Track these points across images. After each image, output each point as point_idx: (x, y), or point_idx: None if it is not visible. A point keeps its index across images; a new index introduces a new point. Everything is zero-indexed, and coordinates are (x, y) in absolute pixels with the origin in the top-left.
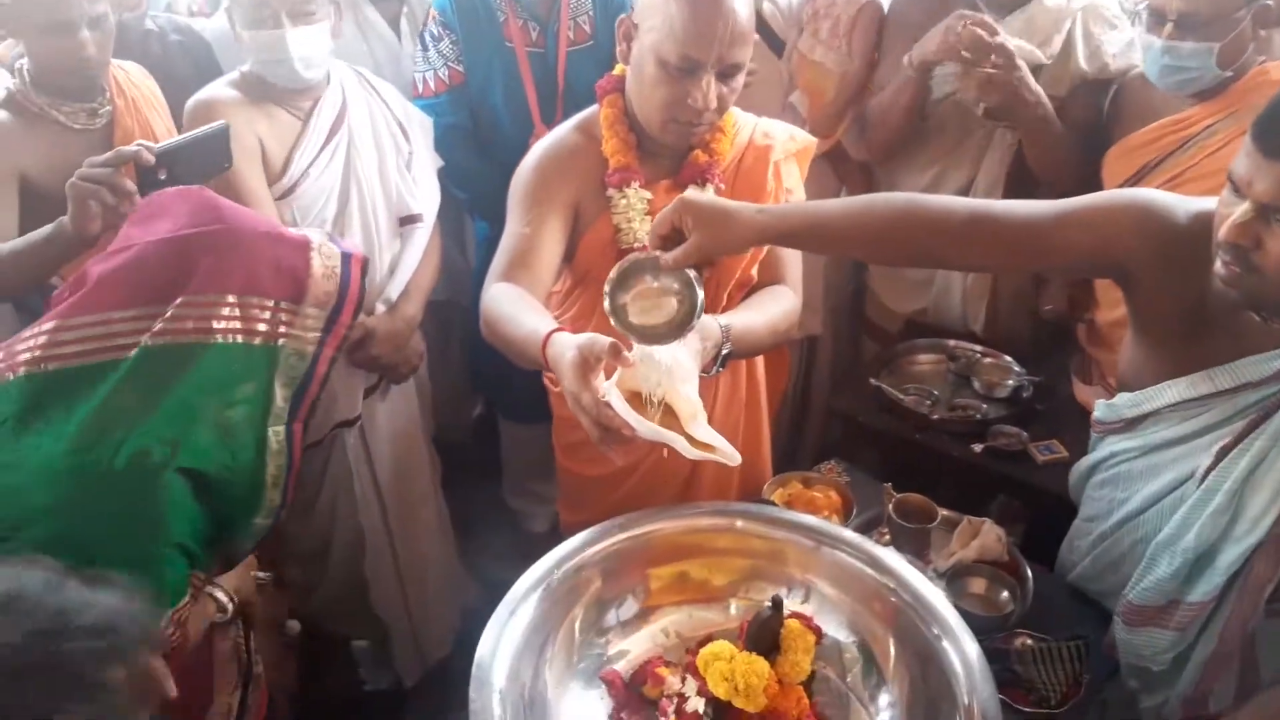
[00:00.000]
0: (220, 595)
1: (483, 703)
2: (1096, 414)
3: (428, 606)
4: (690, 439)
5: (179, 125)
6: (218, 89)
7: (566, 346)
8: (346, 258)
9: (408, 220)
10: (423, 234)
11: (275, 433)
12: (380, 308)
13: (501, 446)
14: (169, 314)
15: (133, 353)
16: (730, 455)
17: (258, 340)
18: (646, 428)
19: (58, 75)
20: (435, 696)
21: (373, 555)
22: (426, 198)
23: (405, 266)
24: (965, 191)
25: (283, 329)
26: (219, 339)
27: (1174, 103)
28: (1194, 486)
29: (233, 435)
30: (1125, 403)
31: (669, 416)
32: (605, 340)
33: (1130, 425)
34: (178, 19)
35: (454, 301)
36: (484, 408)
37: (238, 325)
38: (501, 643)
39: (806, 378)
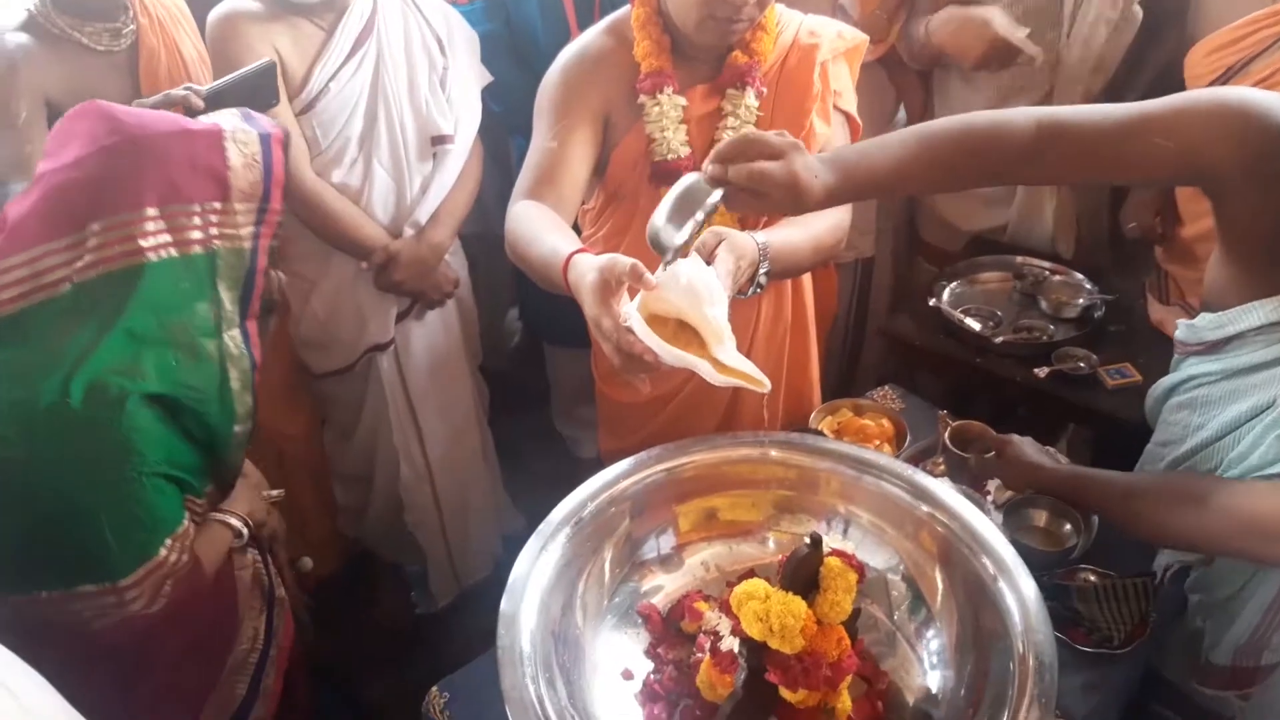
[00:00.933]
0: (233, 520)
1: (511, 639)
2: (1178, 334)
3: (467, 531)
4: (716, 364)
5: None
6: (239, 1)
7: (588, 268)
8: (265, 139)
9: (438, 141)
10: (456, 157)
11: (231, 338)
12: (408, 231)
13: (548, 372)
14: (90, 243)
15: (65, 288)
16: (759, 381)
17: (194, 250)
18: (669, 353)
19: None
20: (474, 621)
21: (409, 480)
22: (462, 118)
23: (436, 190)
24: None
25: (215, 231)
26: (151, 257)
27: None
28: (1274, 412)
29: (189, 352)
30: (1208, 324)
31: (695, 341)
32: (627, 261)
33: (1213, 348)
34: None
35: (491, 230)
36: (522, 336)
37: (167, 239)
38: (531, 578)
39: (862, 301)
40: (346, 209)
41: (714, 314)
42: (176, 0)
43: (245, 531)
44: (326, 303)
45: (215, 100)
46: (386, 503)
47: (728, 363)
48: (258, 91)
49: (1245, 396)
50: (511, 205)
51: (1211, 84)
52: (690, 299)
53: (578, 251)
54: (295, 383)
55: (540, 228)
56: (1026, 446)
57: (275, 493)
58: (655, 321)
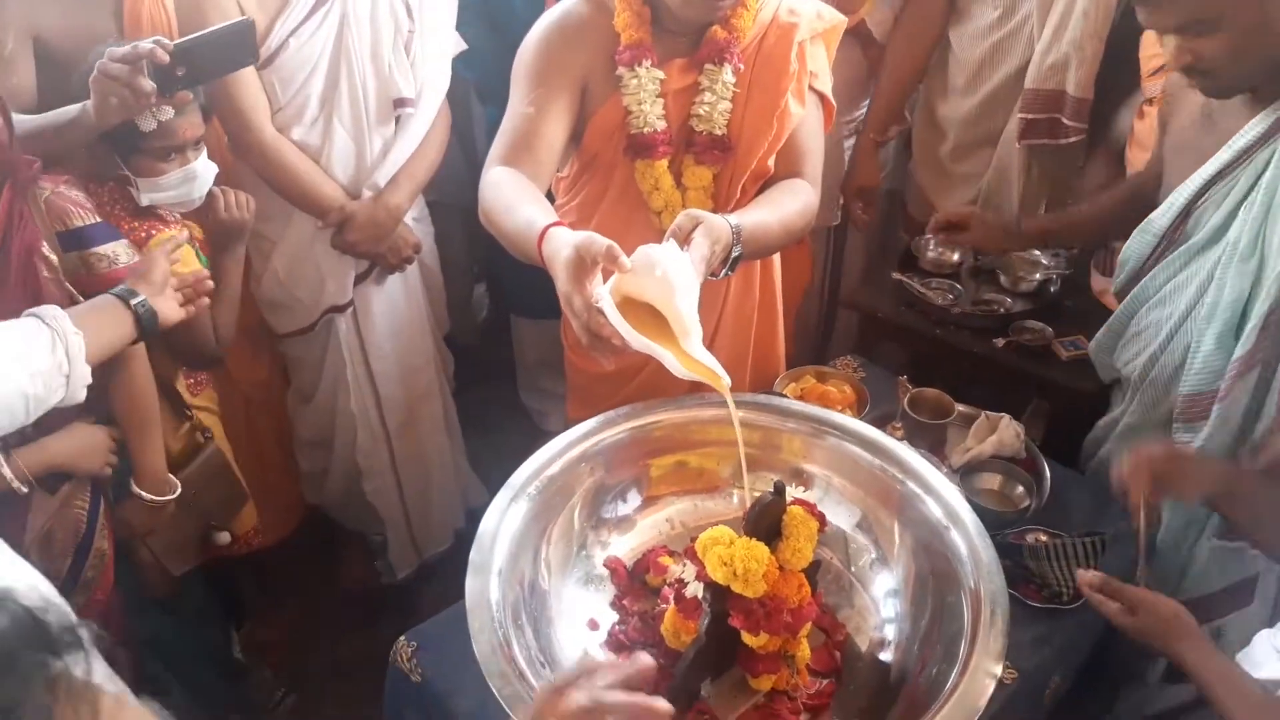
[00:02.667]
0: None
1: (480, 587)
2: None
3: (428, 502)
4: (682, 355)
5: None
6: None
7: (563, 244)
8: None
9: (400, 104)
10: (420, 122)
11: None
12: (367, 194)
13: (514, 343)
14: None
15: None
16: (721, 377)
17: None
18: (636, 340)
19: None
20: (437, 590)
21: (365, 444)
22: (426, 82)
23: (397, 152)
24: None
25: None
26: None
27: None
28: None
29: None
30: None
31: (663, 329)
32: (603, 242)
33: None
34: None
35: (459, 201)
36: (490, 310)
37: None
38: (502, 528)
39: (835, 272)
40: (306, 166)
41: (684, 305)
42: None
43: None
44: (287, 262)
45: (184, 55)
46: (345, 469)
47: (693, 355)
48: (232, 50)
49: (1203, 270)
50: (486, 171)
51: (1164, 68)
52: (663, 288)
53: (554, 225)
54: (258, 336)
55: (516, 197)
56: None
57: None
58: (626, 304)
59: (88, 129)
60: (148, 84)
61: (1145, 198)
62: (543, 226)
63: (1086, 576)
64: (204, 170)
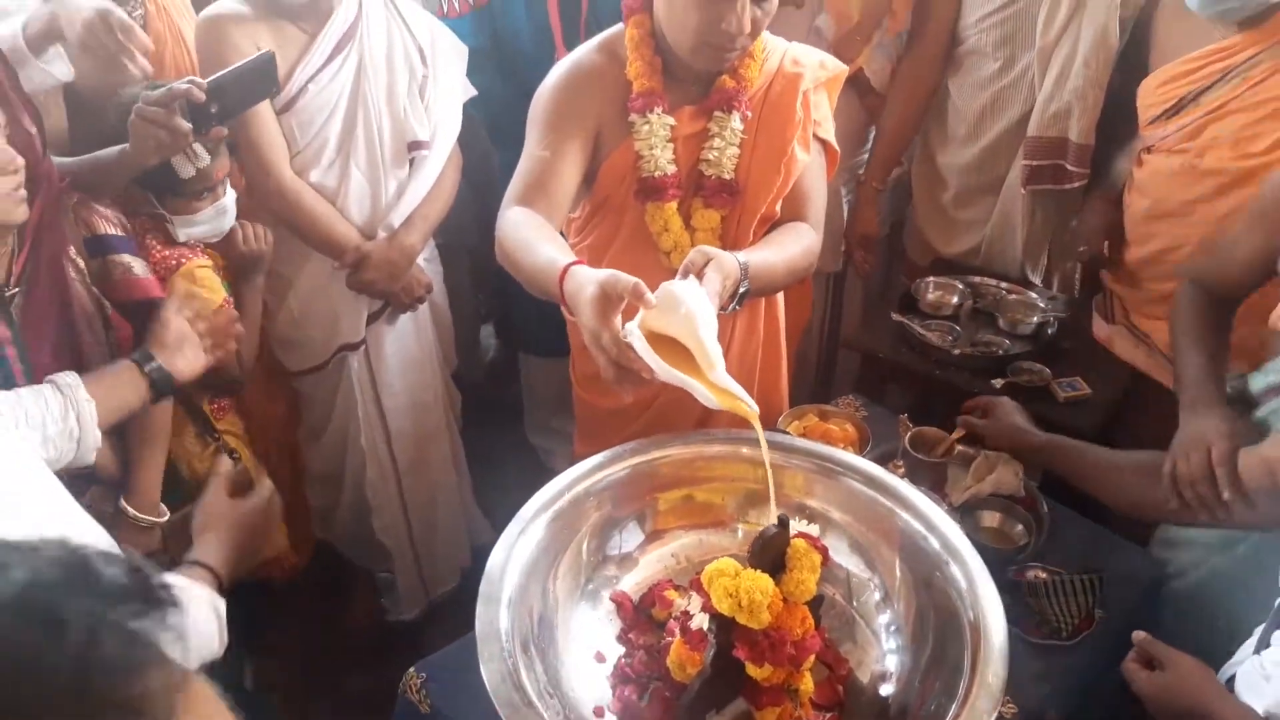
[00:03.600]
0: None
1: (489, 616)
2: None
3: (435, 540)
4: (711, 386)
5: None
6: (226, 4)
7: (587, 281)
8: None
9: (415, 146)
10: (433, 164)
11: None
12: (381, 234)
13: (522, 382)
14: None
15: None
16: (750, 405)
17: None
18: (668, 373)
19: None
20: (443, 629)
21: (375, 481)
22: (439, 126)
23: (411, 194)
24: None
25: None
26: None
27: (1210, 31)
28: None
29: None
30: None
31: (688, 362)
32: (629, 279)
33: None
34: None
35: (466, 242)
36: (498, 349)
37: None
38: (511, 560)
39: (836, 314)
40: (323, 208)
41: (708, 338)
42: None
43: None
44: (302, 301)
45: (217, 92)
46: (355, 505)
47: (720, 384)
48: (258, 82)
49: None
50: (503, 211)
51: (1163, 114)
52: (687, 322)
53: (575, 263)
54: (273, 371)
55: (534, 236)
56: (1012, 410)
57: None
58: (650, 338)
59: (128, 170)
60: (184, 124)
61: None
62: (564, 265)
63: (1139, 636)
64: (231, 203)
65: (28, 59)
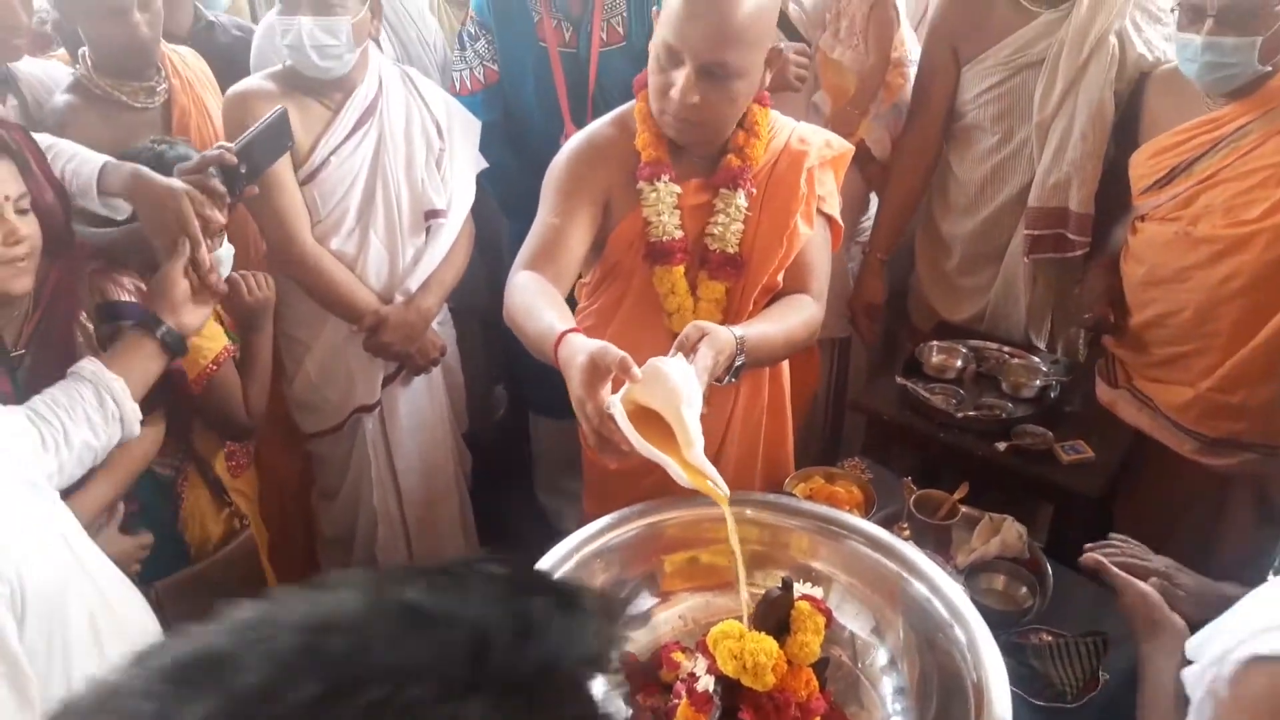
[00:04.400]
0: None
1: None
2: None
3: None
4: (685, 465)
5: None
6: (253, 81)
7: (579, 350)
8: None
9: (431, 215)
10: (448, 231)
11: None
12: (399, 298)
13: (532, 442)
14: None
15: None
16: (721, 489)
17: None
18: (644, 447)
19: (116, 57)
20: None
21: (386, 540)
22: (455, 196)
23: (427, 260)
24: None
25: None
26: None
27: (1199, 102)
28: None
29: None
30: None
31: (669, 438)
32: (617, 353)
33: None
34: (237, 19)
35: (479, 305)
36: (508, 411)
37: None
38: None
39: (841, 378)
40: (343, 274)
41: (689, 416)
42: (202, 66)
43: None
44: (319, 364)
45: (245, 154)
46: (365, 566)
47: (695, 465)
48: (277, 138)
49: None
50: (513, 275)
51: (1155, 184)
52: (670, 399)
53: (571, 331)
54: (289, 429)
55: (538, 301)
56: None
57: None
58: (635, 411)
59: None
60: (220, 186)
61: None
62: (560, 331)
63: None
64: (228, 255)
65: (91, 196)
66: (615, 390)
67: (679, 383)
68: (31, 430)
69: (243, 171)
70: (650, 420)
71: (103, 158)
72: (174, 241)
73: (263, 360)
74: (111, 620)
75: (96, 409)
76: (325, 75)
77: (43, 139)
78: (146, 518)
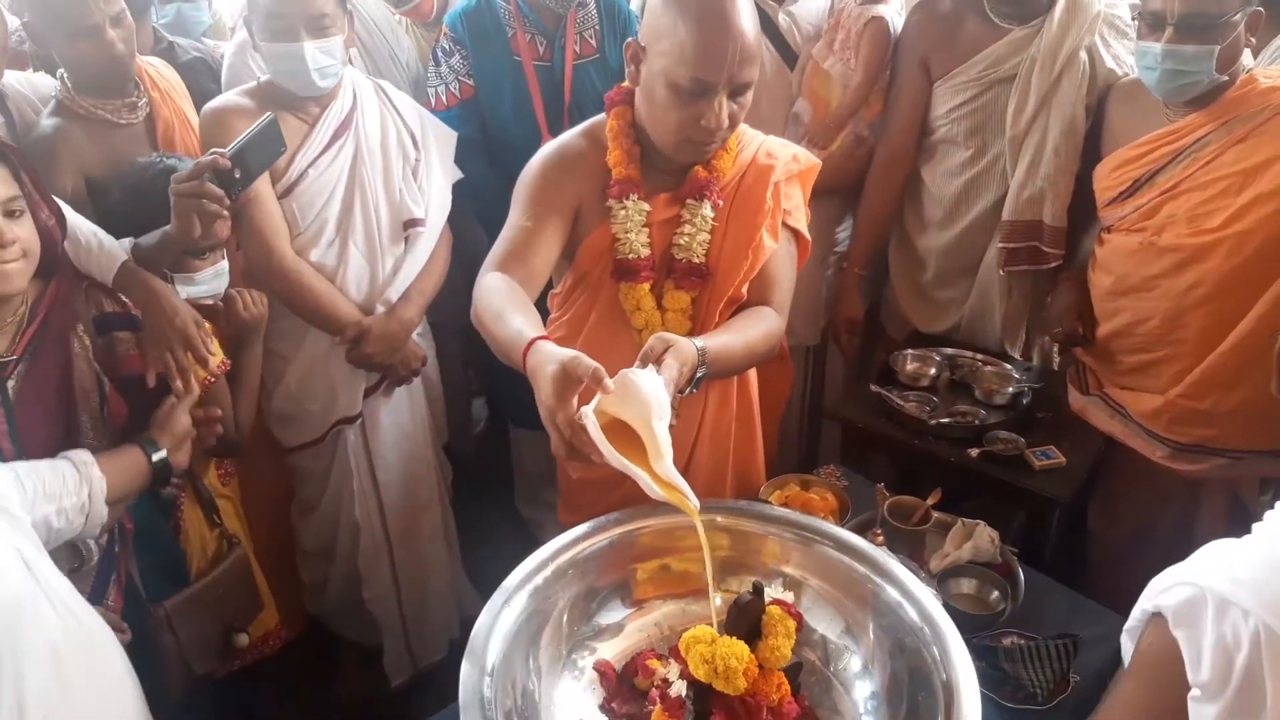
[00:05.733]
0: None
1: (473, 687)
2: None
3: (424, 611)
4: (655, 477)
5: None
6: (230, 97)
7: (549, 359)
8: None
9: (410, 224)
10: (426, 240)
11: None
12: (380, 309)
13: (512, 454)
14: None
15: None
16: (691, 500)
17: None
18: (615, 459)
19: (93, 75)
20: (432, 699)
21: (368, 552)
22: (433, 205)
23: (407, 270)
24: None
25: None
26: None
27: (1159, 113)
28: None
29: None
30: None
31: (639, 449)
32: (590, 363)
33: None
34: (195, 43)
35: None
36: (488, 422)
37: None
38: (494, 632)
39: (817, 385)
40: (323, 287)
41: (660, 428)
42: (175, 77)
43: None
44: (300, 377)
45: (239, 158)
46: (346, 578)
47: (665, 477)
48: (269, 144)
49: None
50: (482, 276)
51: (1119, 196)
52: (641, 411)
53: (540, 338)
54: (268, 452)
55: (507, 304)
56: None
57: None
58: (605, 423)
59: (176, 248)
60: (217, 190)
61: None
62: (530, 338)
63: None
64: (226, 268)
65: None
66: (584, 400)
67: (650, 395)
68: (6, 471)
69: (237, 176)
70: (620, 432)
71: (122, 251)
72: (169, 349)
73: (252, 376)
74: (79, 662)
75: (72, 495)
76: (317, 93)
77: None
78: (143, 540)
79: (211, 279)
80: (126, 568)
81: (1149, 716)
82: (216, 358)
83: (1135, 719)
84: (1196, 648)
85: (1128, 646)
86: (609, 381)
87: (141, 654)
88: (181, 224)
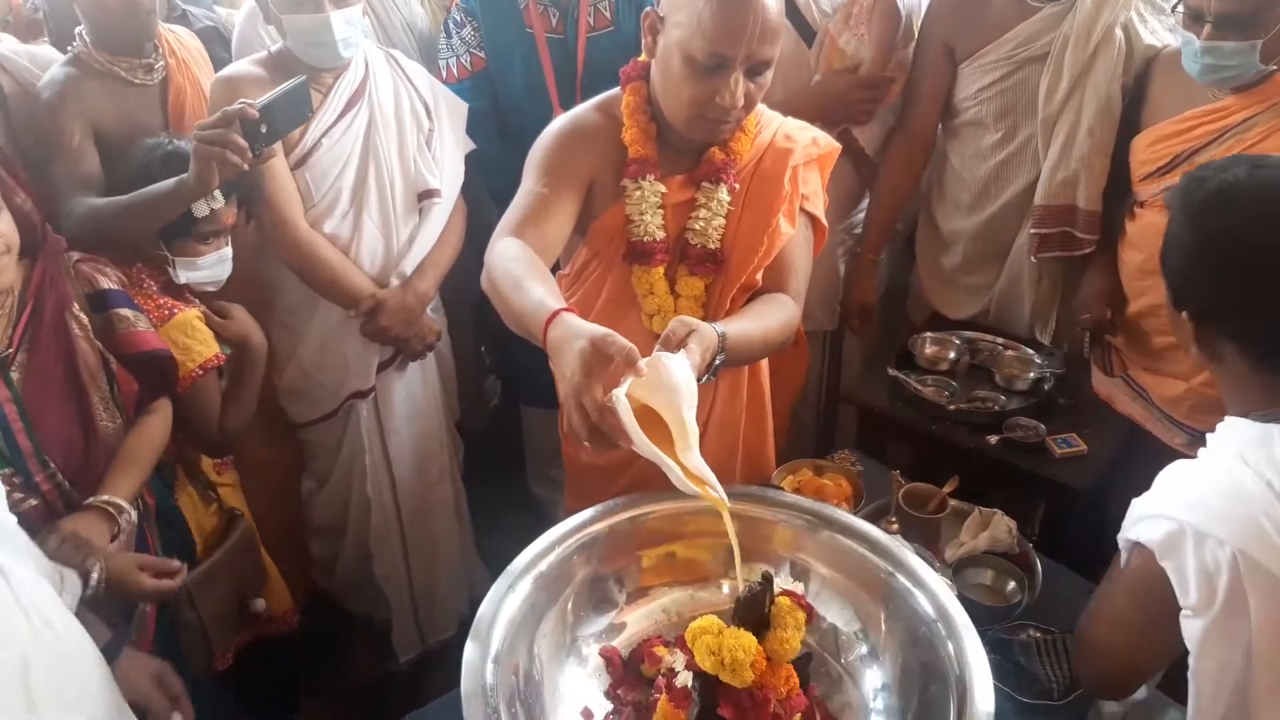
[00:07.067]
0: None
1: (476, 674)
2: None
3: (435, 587)
4: (684, 468)
5: None
6: (241, 66)
7: (576, 334)
8: None
9: (426, 195)
10: (441, 211)
11: None
12: (394, 281)
13: (524, 433)
14: None
15: None
16: (720, 493)
17: None
18: (646, 446)
19: (112, 28)
20: (440, 677)
21: (379, 527)
22: (447, 175)
23: (422, 241)
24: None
25: None
26: None
27: (1204, 90)
28: None
29: None
30: None
31: (664, 436)
32: (624, 342)
33: None
34: (208, 11)
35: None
36: (501, 399)
37: None
38: (499, 617)
39: (834, 370)
40: (338, 259)
41: (689, 416)
42: (198, 45)
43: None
44: (313, 350)
45: (266, 113)
46: (357, 553)
47: (693, 469)
48: (298, 105)
49: None
50: (495, 240)
51: (1156, 171)
52: (672, 396)
53: (565, 310)
54: (275, 427)
55: (526, 272)
56: None
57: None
58: (635, 407)
59: (188, 195)
60: (242, 141)
61: None
62: (554, 309)
63: None
64: (229, 255)
65: None
66: (608, 381)
67: (681, 381)
68: None
69: (263, 131)
70: (645, 417)
71: None
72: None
73: (249, 385)
74: (50, 674)
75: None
76: (341, 64)
77: None
78: (161, 517)
79: (215, 264)
80: (151, 541)
81: (1142, 629)
82: (209, 350)
83: (1128, 631)
84: (1182, 575)
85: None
86: (641, 363)
87: (163, 632)
88: (201, 171)
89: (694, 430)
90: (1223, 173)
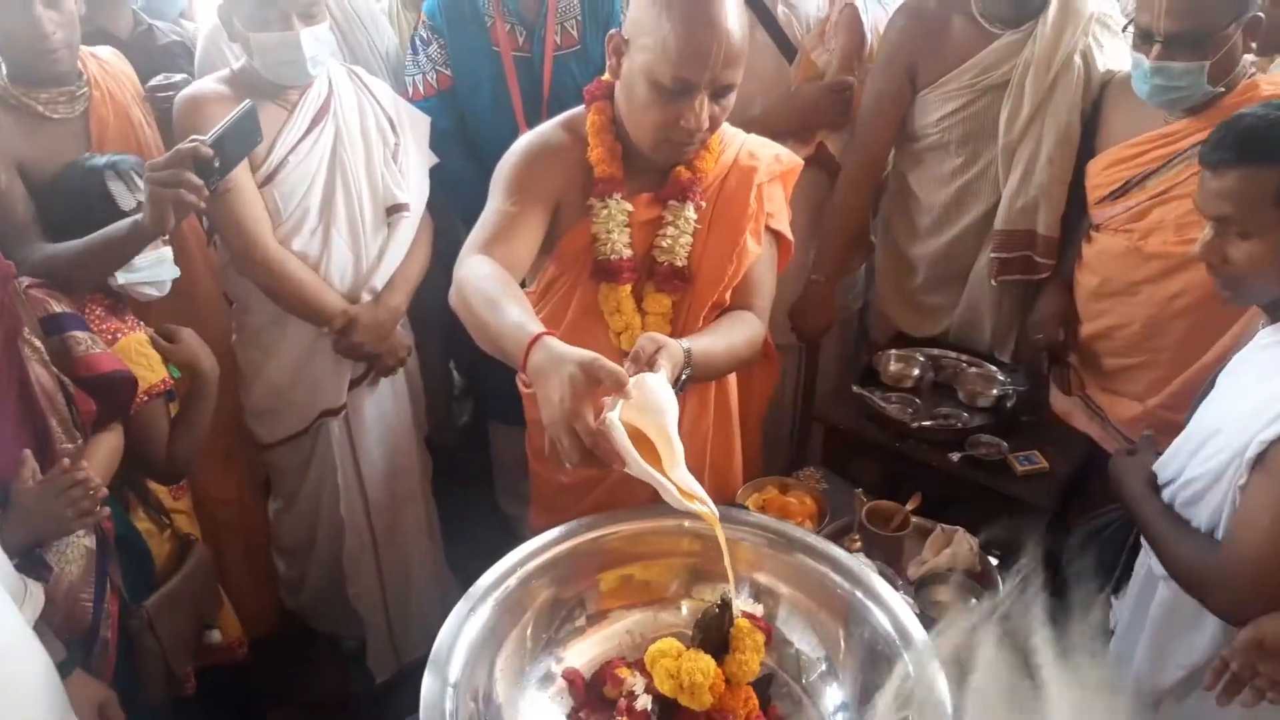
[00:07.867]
0: None
1: (435, 701)
2: None
3: (409, 606)
4: (677, 487)
5: (169, 117)
6: (205, 85)
7: (563, 359)
8: None
9: (394, 210)
10: (409, 225)
11: None
12: (365, 297)
13: (491, 449)
14: None
15: None
16: (711, 509)
17: None
18: (641, 468)
19: (24, 60)
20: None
21: (352, 548)
22: (414, 189)
23: (391, 256)
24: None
25: None
26: None
27: (1156, 113)
28: None
29: None
30: None
31: (652, 457)
32: (612, 366)
33: None
34: (174, 26)
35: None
36: (471, 415)
37: None
38: (458, 642)
39: (809, 386)
40: (308, 276)
41: (675, 435)
42: (127, 70)
43: None
44: (283, 369)
45: (218, 145)
46: (326, 574)
47: (684, 485)
48: (247, 132)
49: None
50: (464, 258)
51: (1109, 195)
52: (659, 416)
53: (547, 334)
54: (231, 450)
55: (500, 292)
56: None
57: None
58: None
59: (143, 238)
60: (197, 179)
61: None
62: (534, 333)
63: None
64: (170, 257)
65: None
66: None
67: (665, 401)
68: None
69: (216, 165)
70: (631, 437)
71: None
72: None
73: (199, 411)
74: None
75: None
76: (307, 81)
77: None
78: (121, 544)
79: (153, 264)
80: (111, 570)
81: None
82: (157, 374)
83: None
84: None
85: (1214, 491)
86: (630, 386)
87: (125, 658)
88: (156, 213)
89: (679, 448)
90: None
